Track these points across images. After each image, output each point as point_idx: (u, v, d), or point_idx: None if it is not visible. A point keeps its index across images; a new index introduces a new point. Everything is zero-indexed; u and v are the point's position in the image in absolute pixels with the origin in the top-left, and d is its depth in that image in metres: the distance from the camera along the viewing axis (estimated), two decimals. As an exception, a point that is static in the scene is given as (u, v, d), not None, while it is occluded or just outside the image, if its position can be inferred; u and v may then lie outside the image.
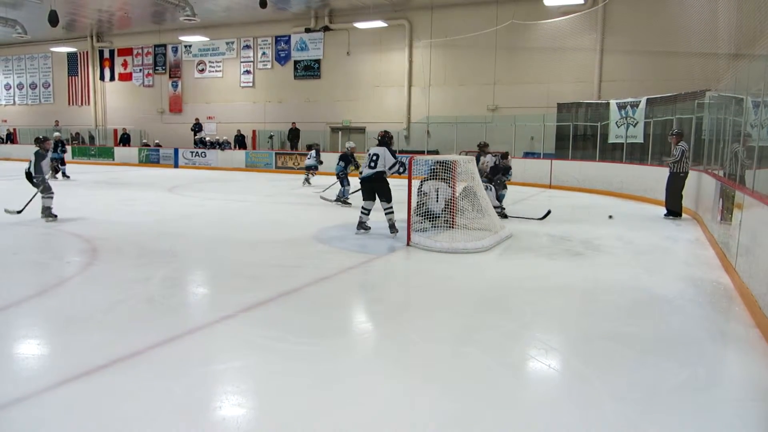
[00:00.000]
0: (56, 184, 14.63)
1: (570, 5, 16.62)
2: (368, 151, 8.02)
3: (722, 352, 3.93)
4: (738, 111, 7.15)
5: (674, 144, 9.77)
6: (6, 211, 8.92)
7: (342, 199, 11.01)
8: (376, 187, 7.79)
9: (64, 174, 16.57)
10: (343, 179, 11.07)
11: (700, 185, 9.76)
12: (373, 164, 7.73)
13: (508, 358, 3.66)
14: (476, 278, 5.76)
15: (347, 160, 11.22)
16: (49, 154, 9.10)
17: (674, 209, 9.84)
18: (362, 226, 8.00)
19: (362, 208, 7.99)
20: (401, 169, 7.69)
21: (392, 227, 7.85)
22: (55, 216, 8.72)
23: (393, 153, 7.85)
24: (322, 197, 10.64)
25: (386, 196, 7.80)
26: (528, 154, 18.00)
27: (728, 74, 8.96)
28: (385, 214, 7.89)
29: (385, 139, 8.02)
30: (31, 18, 21.80)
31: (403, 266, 6.40)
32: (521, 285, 5.50)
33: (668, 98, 14.22)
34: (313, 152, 15.15)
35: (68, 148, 17.52)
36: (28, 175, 8.72)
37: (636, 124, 15.14)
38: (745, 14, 7.76)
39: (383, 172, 7.74)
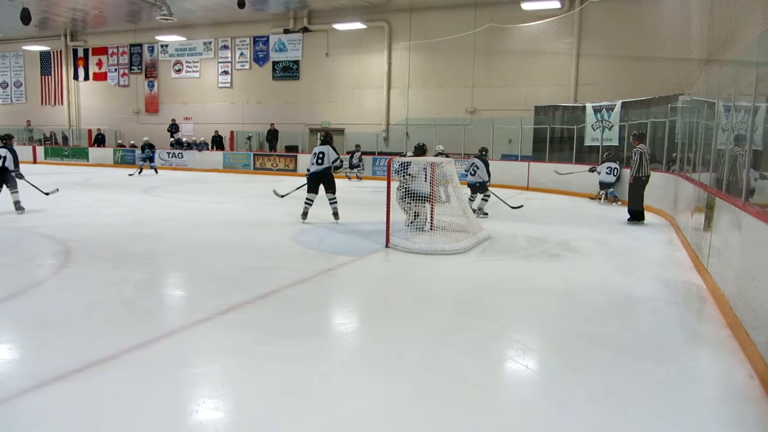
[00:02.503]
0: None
1: (547, 9, 16.79)
2: (313, 150, 9.08)
3: (695, 352, 4.01)
4: (710, 115, 7.30)
5: (634, 145, 9.68)
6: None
7: None
8: (323, 181, 8.86)
9: (155, 170, 19.73)
10: None
11: (674, 188, 9.93)
12: (320, 161, 8.80)
13: (486, 359, 3.68)
14: (454, 279, 5.79)
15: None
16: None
17: (637, 211, 9.67)
18: (306, 215, 8.97)
19: (307, 199, 9.01)
20: (339, 164, 9.03)
21: (336, 214, 8.95)
22: (23, 209, 9.47)
23: (335, 150, 8.95)
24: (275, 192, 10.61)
25: (332, 188, 8.94)
26: (506, 157, 18.15)
27: (700, 79, 9.15)
28: (331, 203, 8.98)
29: (327, 139, 9.24)
30: (2, 15, 21.30)
31: (382, 268, 6.40)
32: (499, 286, 5.54)
33: (643, 102, 14.46)
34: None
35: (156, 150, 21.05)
36: (5, 171, 9.24)
37: (611, 127, 15.36)
38: (717, 20, 7.94)
39: (329, 168, 8.85)
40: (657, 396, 3.17)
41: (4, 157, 9.23)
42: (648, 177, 9.59)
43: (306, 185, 9.09)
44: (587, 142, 16.04)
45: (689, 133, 9.62)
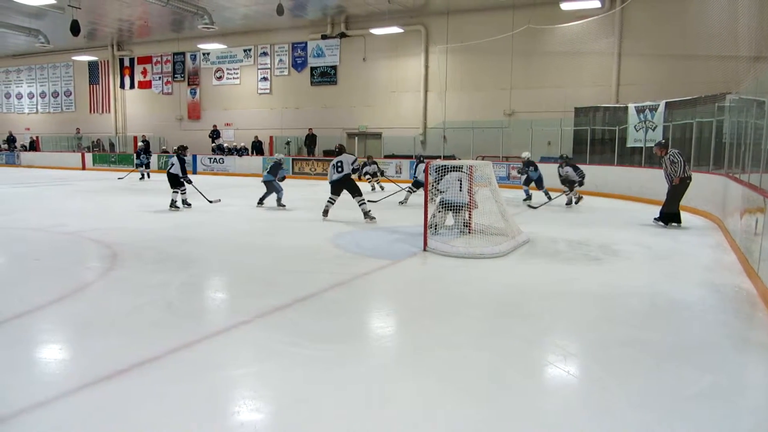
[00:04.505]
0: (70, 191, 14.87)
1: (587, 9, 16.49)
2: (332, 162, 9.77)
3: (745, 360, 3.86)
4: (760, 114, 7.04)
5: (661, 155, 9.35)
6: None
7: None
8: (346, 187, 9.50)
9: (147, 176, 19.16)
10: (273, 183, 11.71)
11: (722, 189, 9.59)
12: (339, 170, 9.50)
13: (526, 364, 3.63)
14: (493, 283, 5.73)
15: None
16: (188, 158, 11.73)
17: (675, 213, 9.31)
18: (327, 213, 9.76)
19: (330, 199, 9.79)
20: (358, 166, 9.63)
21: (366, 214, 9.41)
22: (190, 204, 11.19)
23: (350, 154, 9.70)
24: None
25: (356, 192, 9.48)
26: (545, 159, 17.89)
27: (749, 77, 8.83)
28: (360, 205, 9.50)
29: (341, 149, 10.13)
30: (53, 28, 22.20)
31: (420, 271, 6.39)
32: (539, 290, 5.46)
33: (688, 101, 14.05)
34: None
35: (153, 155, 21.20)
36: (174, 176, 10.91)
37: (655, 128, 14.97)
38: (766, 16, 7.66)
39: (349, 174, 9.48)
40: (704, 405, 3.07)
41: (173, 164, 10.94)
42: (690, 178, 9.29)
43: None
44: (629, 144, 15.68)
45: (737, 133, 9.29)
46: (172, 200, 11.02)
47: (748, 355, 3.94)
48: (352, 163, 9.62)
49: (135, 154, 19.73)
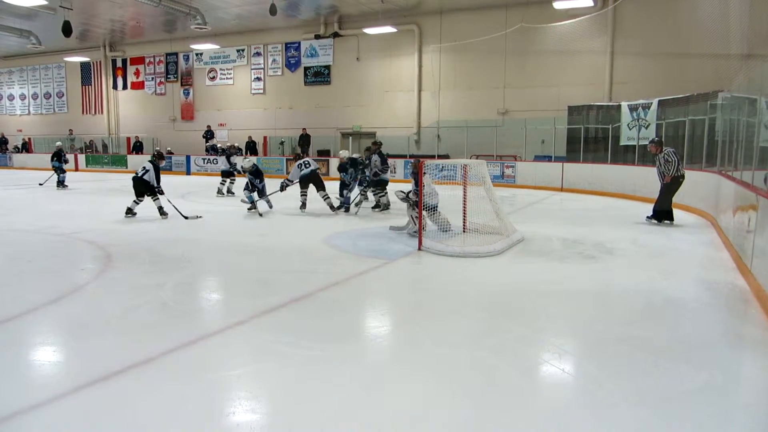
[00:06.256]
0: (62, 191, 14.79)
1: (580, 8, 16.54)
2: (297, 162, 10.99)
3: (739, 356, 3.88)
4: (752, 112, 7.07)
5: (656, 153, 9.39)
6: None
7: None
8: (313, 181, 10.72)
9: (62, 183, 16.17)
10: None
11: (715, 187, 9.64)
12: (307, 166, 10.73)
13: (522, 363, 3.64)
14: (488, 282, 5.74)
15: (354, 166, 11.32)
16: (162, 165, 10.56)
17: (667, 210, 9.36)
18: (305, 206, 10.92)
19: (302, 193, 10.94)
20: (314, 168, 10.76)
21: (331, 207, 10.53)
22: (167, 214, 9.93)
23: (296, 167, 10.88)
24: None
25: (320, 186, 10.69)
26: (539, 158, 17.95)
27: (741, 75, 8.87)
28: (324, 199, 10.60)
29: (299, 156, 12.22)
30: (45, 29, 22.08)
31: (415, 270, 6.39)
32: (534, 289, 5.47)
33: (680, 99, 14.11)
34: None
35: (68, 157, 17.66)
36: (143, 183, 9.91)
37: (648, 126, 15.03)
38: (758, 14, 7.69)
39: (316, 170, 10.76)
40: (699, 401, 3.08)
41: (146, 171, 9.94)
42: (684, 176, 9.34)
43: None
44: (623, 142, 15.74)
45: (730, 130, 9.33)
46: (129, 208, 10.04)
47: (742, 352, 3.96)
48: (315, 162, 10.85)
49: (50, 157, 16.71)
